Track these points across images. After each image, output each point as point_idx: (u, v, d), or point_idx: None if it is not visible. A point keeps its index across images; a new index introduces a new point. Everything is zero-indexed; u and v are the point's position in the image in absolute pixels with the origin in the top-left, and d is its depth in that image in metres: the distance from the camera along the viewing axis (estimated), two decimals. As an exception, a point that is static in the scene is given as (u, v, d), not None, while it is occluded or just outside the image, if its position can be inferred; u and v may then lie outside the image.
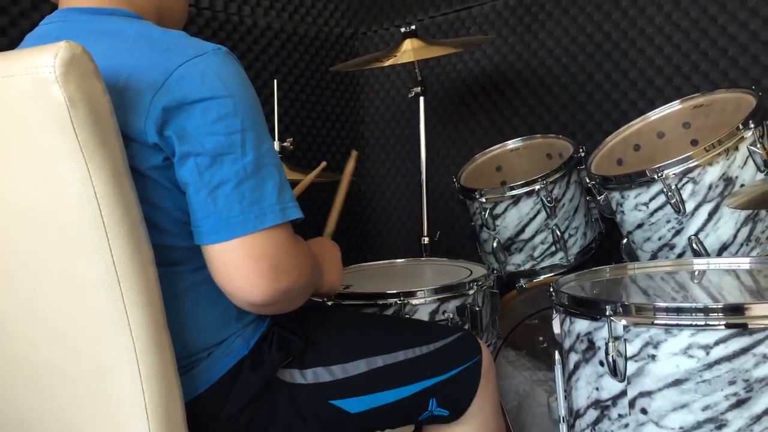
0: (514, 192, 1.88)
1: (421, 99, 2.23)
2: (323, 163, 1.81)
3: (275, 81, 2.20)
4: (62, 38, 0.86)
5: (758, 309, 0.99)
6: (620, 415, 1.08)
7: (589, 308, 1.12)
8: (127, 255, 0.89)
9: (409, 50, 2.10)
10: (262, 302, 0.97)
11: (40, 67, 0.83)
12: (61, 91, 0.83)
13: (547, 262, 1.95)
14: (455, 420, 1.27)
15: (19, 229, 0.93)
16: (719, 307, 1.00)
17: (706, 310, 1.00)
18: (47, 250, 0.92)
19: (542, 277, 1.97)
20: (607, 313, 1.07)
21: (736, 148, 1.46)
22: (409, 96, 2.24)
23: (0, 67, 0.88)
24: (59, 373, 0.96)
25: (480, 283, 1.63)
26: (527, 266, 1.97)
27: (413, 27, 2.15)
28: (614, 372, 1.07)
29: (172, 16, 1.18)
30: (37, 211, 0.91)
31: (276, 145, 2.10)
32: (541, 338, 2.00)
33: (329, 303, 1.53)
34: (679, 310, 1.02)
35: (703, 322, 1.00)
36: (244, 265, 0.95)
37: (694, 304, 1.02)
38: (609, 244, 2.01)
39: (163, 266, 0.97)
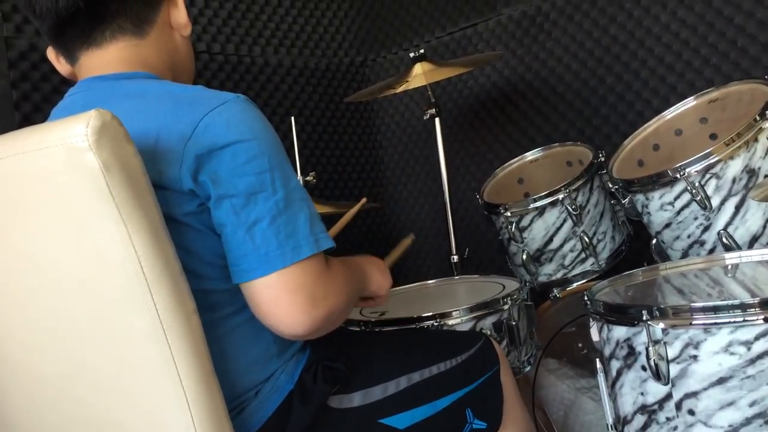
0: (538, 203, 1.89)
1: (437, 120, 2.24)
2: (363, 199, 1.83)
3: (292, 117, 2.24)
4: (88, 106, 0.90)
5: (795, 300, 0.98)
6: (668, 419, 1.08)
7: (626, 314, 1.13)
8: (170, 307, 0.92)
9: (420, 74, 2.13)
10: (305, 332, 1.01)
11: (73, 136, 0.86)
12: (95, 158, 0.86)
13: (578, 269, 1.94)
14: None
15: (62, 293, 0.96)
16: (756, 302, 1.00)
17: (743, 306, 1.00)
18: (92, 310, 0.95)
19: (575, 285, 1.96)
20: (644, 317, 1.07)
21: (756, 140, 1.46)
22: (425, 118, 2.25)
23: (34, 140, 0.91)
24: (117, 428, 0.99)
25: (514, 297, 1.64)
26: (559, 275, 1.97)
27: (422, 50, 2.18)
28: (657, 376, 1.07)
29: (185, 73, 1.23)
30: (80, 274, 0.94)
31: (299, 180, 2.13)
32: (580, 345, 1.99)
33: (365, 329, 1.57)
34: (716, 309, 1.02)
35: (741, 319, 1.00)
36: (283, 300, 0.99)
37: (730, 302, 1.02)
38: (639, 245, 2.00)
39: (204, 311, 0.99)
